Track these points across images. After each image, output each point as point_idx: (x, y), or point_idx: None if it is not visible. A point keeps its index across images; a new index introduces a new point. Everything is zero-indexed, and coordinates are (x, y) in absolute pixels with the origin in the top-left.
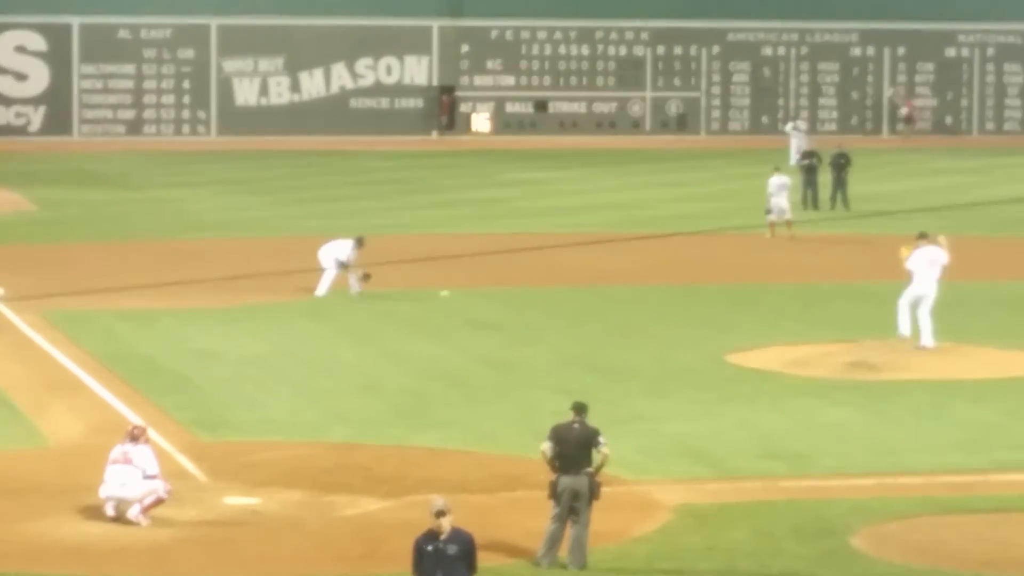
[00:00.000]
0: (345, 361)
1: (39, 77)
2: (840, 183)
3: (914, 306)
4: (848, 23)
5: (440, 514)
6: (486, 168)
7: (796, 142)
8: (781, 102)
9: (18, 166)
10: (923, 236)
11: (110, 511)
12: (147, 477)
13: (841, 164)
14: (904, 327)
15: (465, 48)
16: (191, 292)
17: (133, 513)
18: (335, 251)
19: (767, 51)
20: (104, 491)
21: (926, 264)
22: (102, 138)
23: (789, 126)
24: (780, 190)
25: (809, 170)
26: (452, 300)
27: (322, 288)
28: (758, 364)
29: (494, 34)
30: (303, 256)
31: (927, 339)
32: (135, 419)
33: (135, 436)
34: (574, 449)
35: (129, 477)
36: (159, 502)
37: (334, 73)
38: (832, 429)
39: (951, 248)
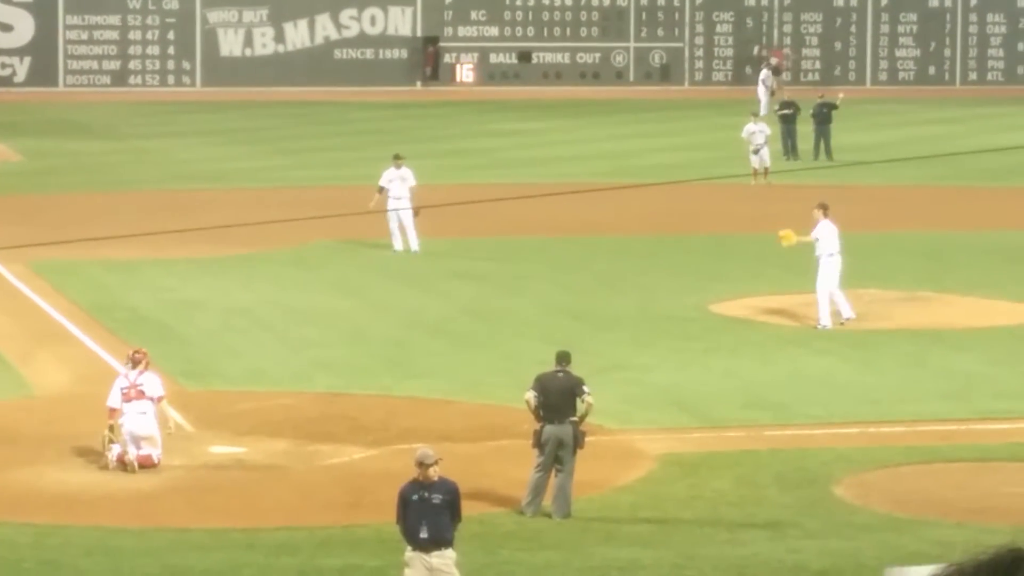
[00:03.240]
0: (330, 311)
1: (24, 28)
2: (823, 133)
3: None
4: None
5: (427, 465)
6: (470, 119)
7: (764, 91)
8: (764, 52)
9: (3, 117)
10: (823, 207)
11: (119, 450)
12: (156, 400)
13: (824, 114)
14: (825, 318)
15: None
16: (176, 242)
17: (132, 454)
18: (402, 179)
19: (750, 1)
20: (126, 428)
21: (830, 236)
22: (87, 89)
23: (763, 74)
24: (752, 136)
25: (788, 120)
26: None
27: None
28: (742, 314)
29: None
30: (288, 206)
31: (848, 311)
32: (121, 369)
33: (136, 361)
34: (558, 398)
35: (143, 411)
36: (149, 463)
37: (318, 24)
38: (815, 378)
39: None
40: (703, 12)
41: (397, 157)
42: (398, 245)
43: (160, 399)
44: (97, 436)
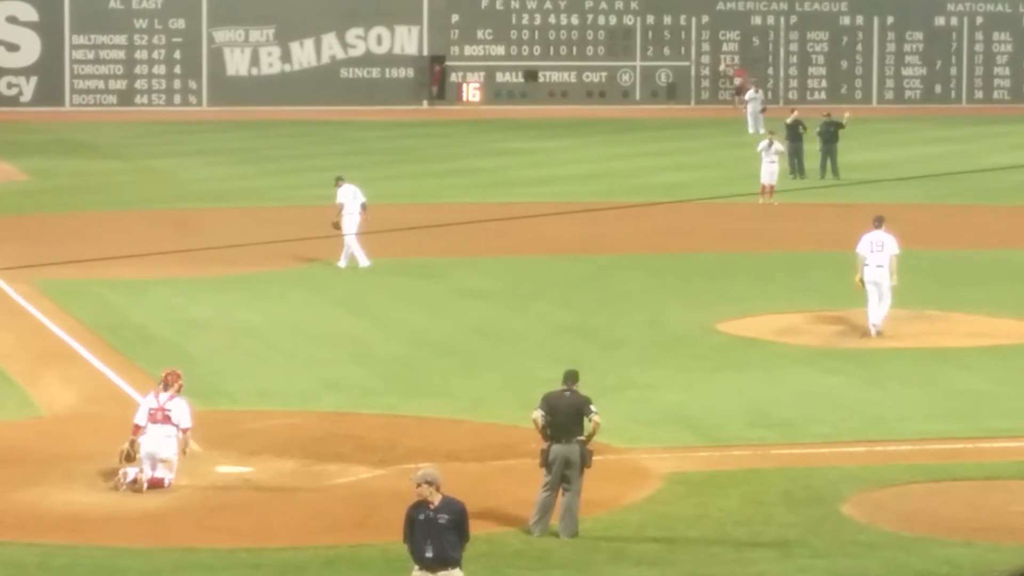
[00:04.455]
0: (337, 330)
1: (31, 47)
2: (830, 152)
3: (876, 293)
4: None
5: (421, 484)
6: (476, 138)
7: (753, 110)
8: (771, 71)
9: (10, 136)
10: (877, 221)
11: (135, 474)
12: (182, 430)
13: (831, 133)
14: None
15: (455, 18)
16: (183, 262)
17: (147, 475)
18: (356, 195)
19: (756, 20)
20: (145, 449)
21: (868, 248)
22: (93, 108)
23: (749, 94)
24: (764, 153)
25: (795, 138)
26: (443, 269)
27: (365, 259)
28: (749, 332)
29: (484, 3)
30: (294, 225)
31: (878, 322)
32: (128, 389)
33: (168, 383)
34: (565, 417)
35: (167, 435)
36: (159, 485)
37: (325, 43)
38: (822, 397)
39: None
40: (709, 31)
41: (340, 178)
42: (364, 261)
43: (187, 431)
44: (109, 453)
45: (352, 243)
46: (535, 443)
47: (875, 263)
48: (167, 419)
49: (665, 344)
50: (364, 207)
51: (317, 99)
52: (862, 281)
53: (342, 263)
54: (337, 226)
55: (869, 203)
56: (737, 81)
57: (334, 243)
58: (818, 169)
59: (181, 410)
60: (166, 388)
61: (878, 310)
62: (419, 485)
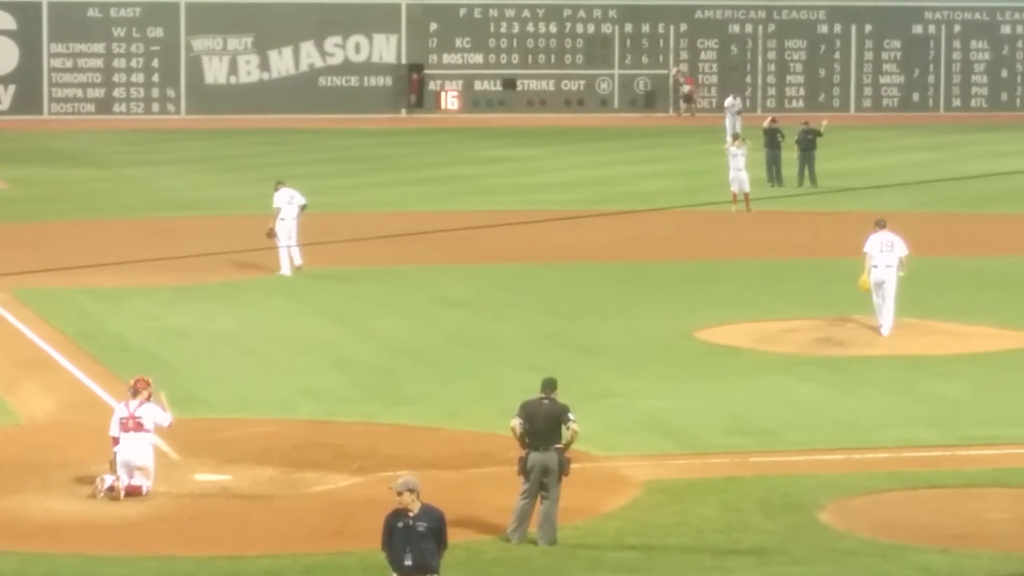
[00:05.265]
0: (315, 338)
1: (8, 56)
2: (807, 160)
3: (879, 295)
4: (815, 0)
5: (403, 492)
6: (455, 146)
7: (731, 119)
8: (749, 79)
9: None
10: (880, 223)
11: (112, 480)
12: (166, 427)
13: (808, 140)
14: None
15: (434, 26)
16: (161, 270)
17: (123, 483)
18: (292, 199)
19: (735, 28)
20: (121, 457)
21: (878, 248)
22: (72, 117)
23: (728, 101)
24: (735, 159)
25: (773, 145)
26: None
27: (287, 267)
28: (727, 340)
29: (462, 12)
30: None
31: (885, 327)
32: (107, 397)
33: (137, 390)
34: (543, 425)
35: (142, 442)
36: (137, 492)
37: (303, 51)
38: (800, 405)
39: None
40: (687, 39)
41: (279, 182)
42: (286, 270)
43: (169, 424)
44: (87, 461)
45: (283, 250)
46: (513, 451)
47: (884, 263)
48: (139, 426)
49: (644, 352)
50: (303, 208)
51: (295, 108)
52: (868, 280)
53: (288, 271)
54: (271, 234)
55: (847, 211)
56: (686, 89)
57: (308, 252)
58: (796, 177)
59: (154, 414)
60: (135, 395)
61: (886, 313)
62: (400, 493)
